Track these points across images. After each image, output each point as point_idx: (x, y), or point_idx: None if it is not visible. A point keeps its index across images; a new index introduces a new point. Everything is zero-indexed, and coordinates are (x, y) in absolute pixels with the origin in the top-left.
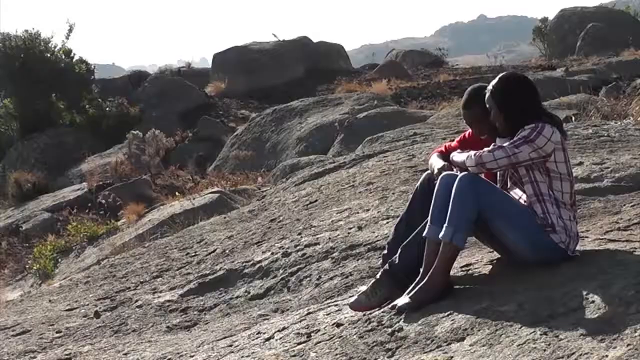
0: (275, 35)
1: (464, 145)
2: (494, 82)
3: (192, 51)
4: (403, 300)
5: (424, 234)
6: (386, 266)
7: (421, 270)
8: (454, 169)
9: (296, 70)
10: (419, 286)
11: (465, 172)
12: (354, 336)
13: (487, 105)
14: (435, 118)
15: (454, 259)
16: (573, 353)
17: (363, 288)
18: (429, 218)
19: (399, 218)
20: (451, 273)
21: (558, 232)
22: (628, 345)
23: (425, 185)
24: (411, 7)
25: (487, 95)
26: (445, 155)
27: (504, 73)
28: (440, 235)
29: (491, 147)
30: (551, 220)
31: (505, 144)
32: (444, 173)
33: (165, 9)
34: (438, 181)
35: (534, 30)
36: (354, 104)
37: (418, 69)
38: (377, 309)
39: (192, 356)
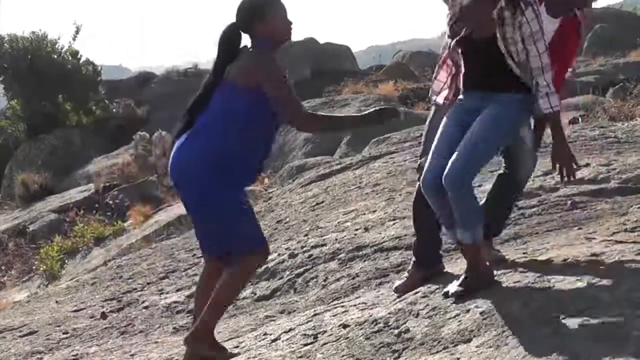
0: None
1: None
2: None
3: (199, 52)
4: (453, 287)
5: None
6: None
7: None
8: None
9: (302, 71)
10: (463, 276)
11: (448, 173)
12: (361, 337)
13: None
14: None
15: (480, 250)
16: (580, 355)
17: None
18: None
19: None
20: (460, 272)
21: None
22: (636, 346)
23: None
24: (418, 8)
25: None
26: None
27: None
28: (460, 238)
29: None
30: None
31: (539, 56)
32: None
33: (172, 10)
34: (423, 190)
35: None
36: (361, 105)
37: (425, 70)
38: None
39: None
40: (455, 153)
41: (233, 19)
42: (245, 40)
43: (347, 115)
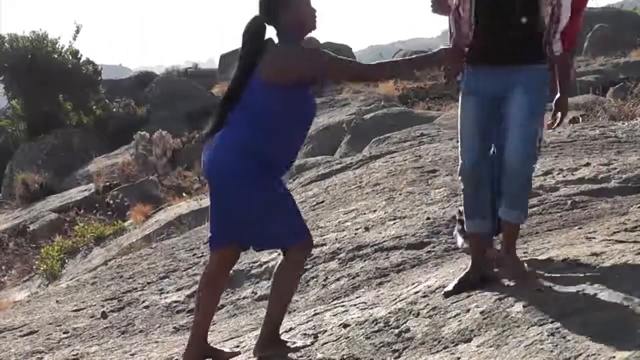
0: None
1: None
2: None
3: (199, 52)
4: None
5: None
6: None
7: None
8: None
9: None
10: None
11: (514, 152)
12: (361, 337)
13: None
14: (442, 119)
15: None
16: (580, 354)
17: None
18: (464, 215)
19: None
20: (458, 272)
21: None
22: (637, 345)
23: None
24: (418, 7)
25: None
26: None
27: None
28: (506, 218)
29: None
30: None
31: None
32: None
33: (173, 10)
34: (461, 178)
35: None
36: (361, 105)
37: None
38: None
39: None
40: (512, 135)
41: (256, 12)
42: (270, 33)
43: (413, 58)
